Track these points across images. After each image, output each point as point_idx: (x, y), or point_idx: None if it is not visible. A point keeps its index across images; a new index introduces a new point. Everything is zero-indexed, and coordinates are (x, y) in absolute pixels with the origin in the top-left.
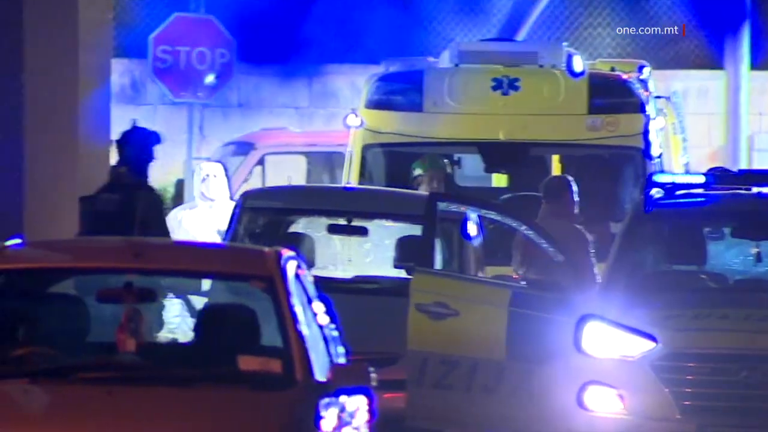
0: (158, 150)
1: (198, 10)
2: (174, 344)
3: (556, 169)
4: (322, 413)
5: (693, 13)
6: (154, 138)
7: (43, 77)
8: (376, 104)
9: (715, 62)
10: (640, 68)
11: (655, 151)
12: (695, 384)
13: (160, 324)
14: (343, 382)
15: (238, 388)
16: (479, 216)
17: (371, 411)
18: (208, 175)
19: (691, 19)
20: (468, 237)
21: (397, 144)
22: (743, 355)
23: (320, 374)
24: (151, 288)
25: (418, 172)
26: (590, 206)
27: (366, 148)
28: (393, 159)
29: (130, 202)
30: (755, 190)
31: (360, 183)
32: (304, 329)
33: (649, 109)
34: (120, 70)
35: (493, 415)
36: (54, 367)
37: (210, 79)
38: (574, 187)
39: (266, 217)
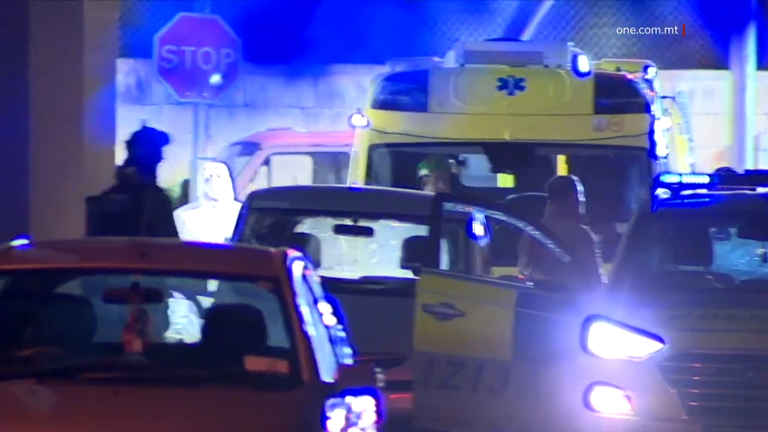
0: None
1: (203, 10)
2: (180, 345)
3: (561, 169)
4: (329, 414)
5: (699, 13)
6: (163, 138)
7: (48, 77)
8: (381, 104)
9: (720, 62)
10: (645, 68)
11: (660, 151)
12: (702, 385)
13: (167, 324)
14: (349, 383)
15: (245, 388)
16: (485, 216)
17: (378, 412)
18: (211, 176)
19: (697, 19)
20: (474, 237)
21: (402, 144)
22: (749, 356)
23: (327, 375)
24: (158, 288)
25: (423, 172)
26: (596, 206)
27: (372, 149)
28: (399, 159)
29: (138, 203)
30: (761, 190)
31: (366, 183)
32: (311, 330)
33: (655, 109)
34: (125, 70)
35: (499, 415)
36: (60, 367)
37: (215, 79)
38: (579, 188)
39: (273, 218)
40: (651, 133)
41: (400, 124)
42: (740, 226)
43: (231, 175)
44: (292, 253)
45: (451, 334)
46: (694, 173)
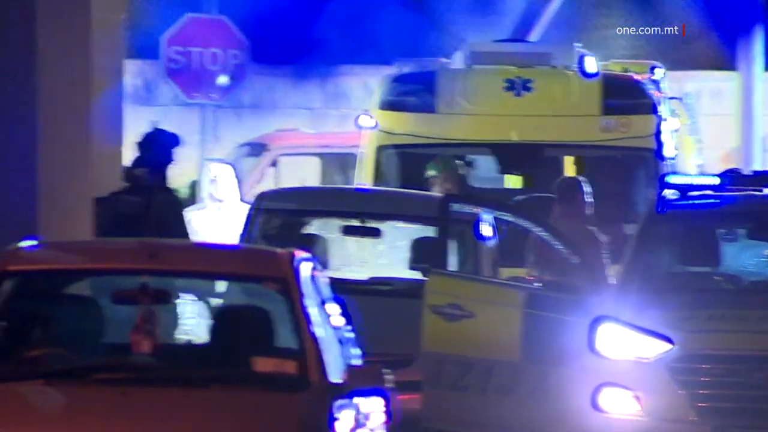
0: (176, 152)
1: (210, 10)
2: (188, 345)
3: (569, 170)
4: (337, 415)
5: (706, 15)
6: (174, 140)
7: (55, 78)
8: (389, 105)
9: (728, 64)
10: (653, 69)
11: (667, 152)
12: (710, 385)
13: (176, 325)
14: (357, 384)
15: (253, 389)
16: (494, 217)
17: (387, 412)
18: (216, 177)
19: (705, 20)
20: (482, 238)
21: (410, 145)
22: (758, 357)
23: (335, 376)
24: (166, 289)
25: (431, 173)
26: (604, 208)
27: (379, 149)
28: (406, 160)
29: (150, 205)
30: None
31: (374, 184)
32: (319, 330)
33: (662, 110)
34: (133, 71)
35: (508, 416)
36: (69, 368)
37: (223, 80)
38: (586, 188)
39: (281, 219)
40: (658, 134)
41: (407, 125)
42: (749, 227)
43: (236, 176)
44: (300, 254)
45: (459, 335)
46: (702, 174)
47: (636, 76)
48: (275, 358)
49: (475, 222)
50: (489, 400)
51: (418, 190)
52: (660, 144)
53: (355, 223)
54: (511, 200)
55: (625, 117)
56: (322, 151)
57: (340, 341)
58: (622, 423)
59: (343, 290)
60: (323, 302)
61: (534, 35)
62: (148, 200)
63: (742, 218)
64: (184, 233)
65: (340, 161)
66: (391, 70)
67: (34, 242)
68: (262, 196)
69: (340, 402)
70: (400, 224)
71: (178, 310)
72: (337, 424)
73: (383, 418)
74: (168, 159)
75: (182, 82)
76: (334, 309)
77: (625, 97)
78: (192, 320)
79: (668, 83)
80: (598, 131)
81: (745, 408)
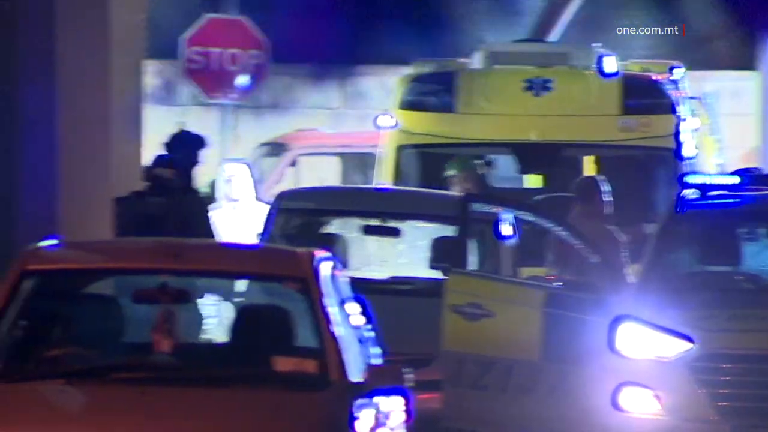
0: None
1: (230, 11)
2: (209, 345)
3: (589, 169)
4: (357, 414)
5: (726, 15)
6: (200, 142)
7: (75, 79)
8: (409, 105)
9: (748, 63)
10: (672, 69)
11: (687, 152)
12: (731, 385)
13: (197, 325)
14: (378, 383)
15: (273, 388)
16: (513, 217)
17: (407, 411)
18: (231, 176)
19: (724, 20)
20: (502, 238)
21: (430, 145)
22: None
23: (355, 375)
24: (186, 289)
25: (451, 172)
26: (623, 207)
27: (399, 149)
28: (426, 159)
29: (176, 206)
30: None
31: (393, 184)
32: (339, 330)
33: (681, 109)
34: (152, 72)
35: (528, 416)
36: (89, 367)
37: (242, 80)
38: (605, 188)
39: (301, 218)
40: (677, 133)
41: (427, 125)
42: None
43: (251, 176)
44: (320, 253)
45: (479, 334)
46: (722, 174)
47: (655, 76)
48: (295, 357)
49: (495, 221)
50: (509, 399)
51: (438, 190)
52: (679, 144)
53: (375, 222)
54: (531, 200)
55: (644, 117)
56: (342, 151)
57: (360, 340)
58: (642, 422)
59: (363, 290)
60: (343, 302)
61: (553, 35)
62: (175, 202)
63: (762, 217)
64: (210, 234)
65: (360, 161)
66: (411, 70)
67: (55, 242)
68: (282, 196)
69: (360, 401)
70: (420, 224)
71: (200, 309)
72: (357, 423)
73: (403, 417)
74: (194, 160)
75: (202, 82)
76: (354, 308)
77: (645, 96)
78: (212, 320)
79: (688, 83)
80: (617, 131)
81: (766, 407)
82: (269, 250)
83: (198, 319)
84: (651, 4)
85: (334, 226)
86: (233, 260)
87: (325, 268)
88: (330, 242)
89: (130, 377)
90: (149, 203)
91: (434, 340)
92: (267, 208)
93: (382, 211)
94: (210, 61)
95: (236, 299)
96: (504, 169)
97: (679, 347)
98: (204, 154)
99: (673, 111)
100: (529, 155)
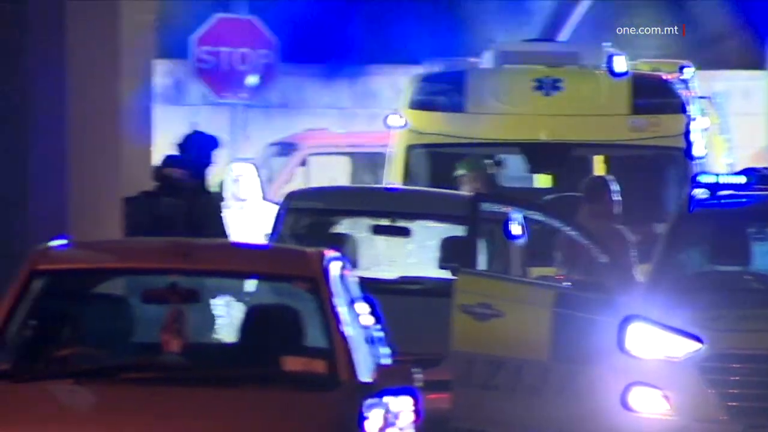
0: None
1: (240, 11)
2: (218, 345)
3: (599, 169)
4: (366, 414)
5: (735, 15)
6: (213, 142)
7: (85, 78)
8: (419, 105)
9: (757, 63)
10: (682, 69)
11: (697, 152)
12: (740, 385)
13: (206, 324)
14: (387, 383)
15: (282, 388)
16: (523, 216)
17: (417, 411)
18: (239, 176)
19: (734, 20)
20: (512, 237)
21: (439, 144)
22: None
23: (364, 375)
24: (196, 288)
25: (460, 172)
26: (634, 207)
27: (409, 149)
28: (436, 159)
29: (189, 206)
30: None
31: (403, 183)
32: (348, 330)
33: (691, 109)
34: (162, 71)
35: (537, 415)
36: (98, 367)
37: (252, 79)
38: (614, 187)
39: (310, 218)
40: (687, 133)
41: (437, 125)
42: None
43: (259, 176)
44: (330, 253)
45: (489, 334)
46: (728, 174)
47: (665, 76)
48: (305, 357)
49: (505, 221)
50: (518, 399)
51: (448, 190)
52: (689, 143)
53: (385, 222)
54: (540, 199)
55: (654, 116)
56: (352, 151)
57: (370, 340)
58: (652, 422)
59: (372, 289)
60: (353, 301)
61: (563, 35)
62: (185, 202)
63: None
64: (223, 234)
65: (370, 160)
66: (421, 70)
67: (64, 242)
68: (292, 196)
69: (369, 401)
70: (430, 223)
71: (210, 309)
72: (366, 423)
73: (412, 417)
74: (207, 161)
75: (212, 81)
76: (363, 308)
77: (655, 96)
78: (221, 319)
79: (697, 82)
80: (627, 130)
81: None
82: (279, 249)
83: (207, 318)
84: (660, 3)
85: (343, 226)
86: (243, 260)
87: (335, 268)
88: (339, 242)
89: (140, 377)
90: (159, 203)
91: (443, 340)
92: (275, 207)
93: (391, 211)
94: (220, 61)
95: (246, 299)
96: (513, 168)
97: (688, 347)
98: (217, 155)
99: (683, 110)
100: (538, 155)
